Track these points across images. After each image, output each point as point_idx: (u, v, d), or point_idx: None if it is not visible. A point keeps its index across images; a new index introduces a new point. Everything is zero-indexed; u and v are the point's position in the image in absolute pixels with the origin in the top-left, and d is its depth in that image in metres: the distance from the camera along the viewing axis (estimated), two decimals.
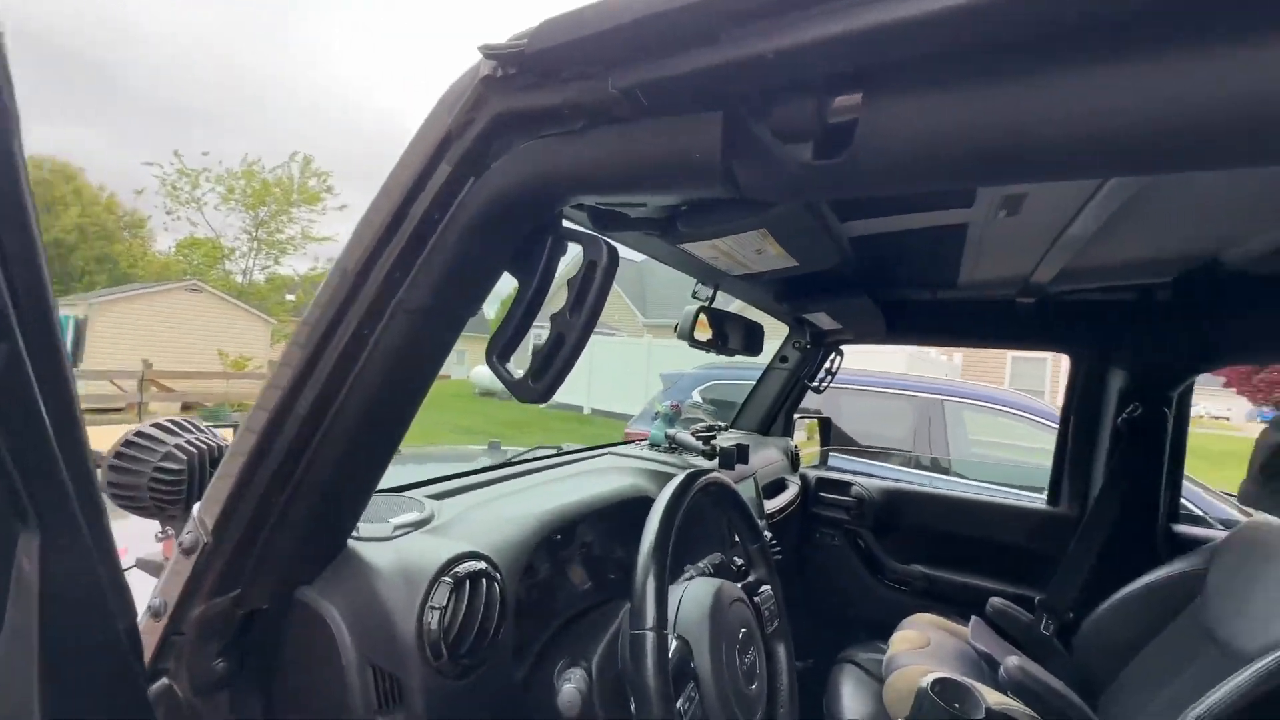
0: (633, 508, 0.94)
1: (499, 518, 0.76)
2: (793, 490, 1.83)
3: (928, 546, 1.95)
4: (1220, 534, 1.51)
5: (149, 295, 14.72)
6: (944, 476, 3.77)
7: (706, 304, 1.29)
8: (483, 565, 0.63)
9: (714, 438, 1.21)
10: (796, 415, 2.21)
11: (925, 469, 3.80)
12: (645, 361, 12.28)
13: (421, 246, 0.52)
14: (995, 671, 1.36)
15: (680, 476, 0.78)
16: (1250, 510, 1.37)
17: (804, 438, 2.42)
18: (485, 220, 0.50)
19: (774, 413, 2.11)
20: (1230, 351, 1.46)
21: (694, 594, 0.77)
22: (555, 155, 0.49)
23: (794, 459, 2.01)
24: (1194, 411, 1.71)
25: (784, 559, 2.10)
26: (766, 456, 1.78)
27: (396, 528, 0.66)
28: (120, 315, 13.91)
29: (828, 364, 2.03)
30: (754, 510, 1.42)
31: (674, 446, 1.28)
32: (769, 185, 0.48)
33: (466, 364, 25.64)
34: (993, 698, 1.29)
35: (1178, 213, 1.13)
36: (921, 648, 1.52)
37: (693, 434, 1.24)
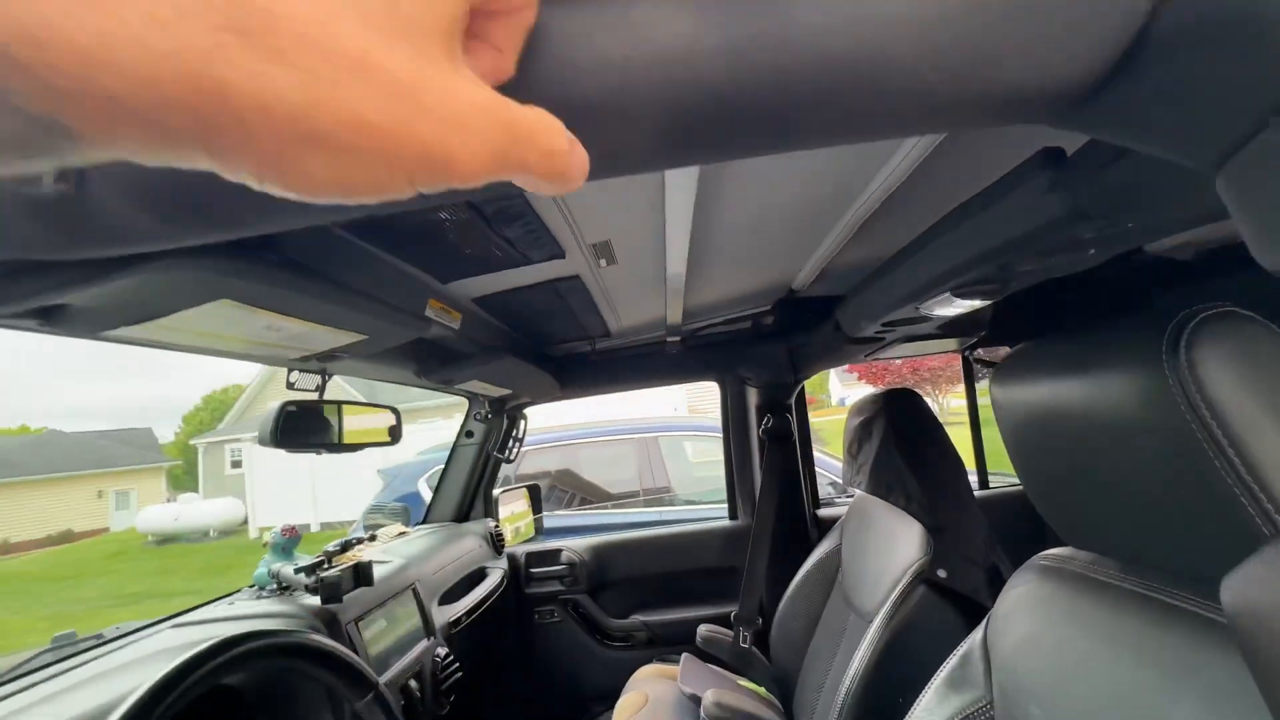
0: None
1: None
2: (495, 577, 1.64)
3: (641, 591, 1.94)
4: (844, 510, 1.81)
5: None
6: (674, 507, 4.04)
7: (314, 392, 1.04)
8: None
9: (324, 565, 0.96)
10: (499, 490, 2.05)
11: (659, 504, 4.01)
12: (381, 457, 10.91)
13: None
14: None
15: (156, 678, 0.52)
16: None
17: (524, 507, 2.27)
18: None
19: (470, 495, 1.92)
20: (810, 362, 1.79)
21: None
22: None
23: (496, 540, 1.83)
24: (835, 399, 2.09)
25: (508, 654, 1.88)
26: (455, 551, 1.56)
27: None
28: None
29: (515, 431, 1.93)
30: (421, 627, 1.18)
31: (284, 587, 0.98)
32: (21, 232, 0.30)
33: (134, 507, 19.49)
34: None
35: (746, 253, 1.32)
36: (640, 710, 1.45)
37: (295, 569, 0.96)
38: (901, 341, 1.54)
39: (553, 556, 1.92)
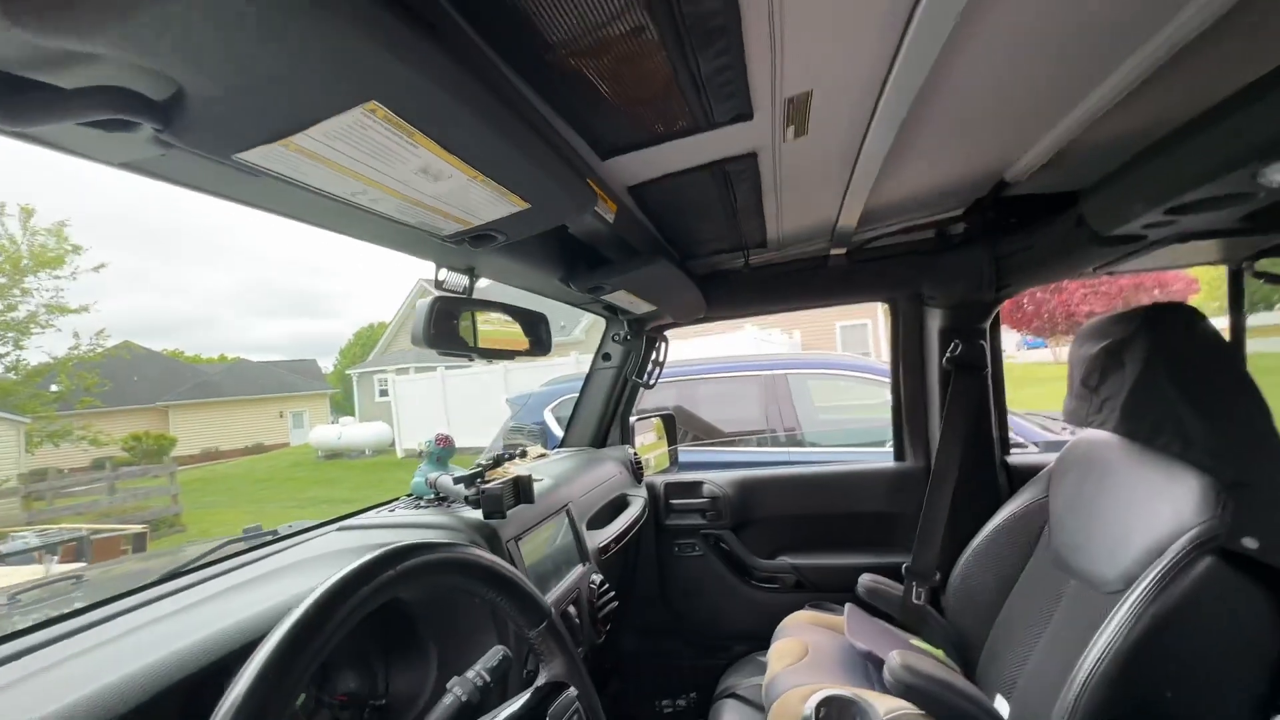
0: None
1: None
2: (637, 505, 1.55)
3: (791, 533, 1.78)
4: (1048, 458, 1.49)
5: None
6: (800, 449, 3.81)
7: (461, 294, 0.95)
8: None
9: (483, 477, 0.87)
10: (635, 418, 1.95)
11: (782, 445, 3.81)
12: (503, 389, 11.62)
13: None
14: (880, 671, 1.18)
15: (333, 578, 0.43)
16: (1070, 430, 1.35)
17: (654, 438, 2.18)
18: None
19: (607, 421, 1.83)
20: (1024, 273, 1.44)
21: None
22: None
23: (635, 468, 1.74)
24: None
25: (646, 583, 1.82)
26: (597, 476, 1.48)
27: None
28: None
29: (654, 355, 1.79)
30: (574, 550, 1.10)
31: (441, 498, 0.92)
32: None
33: (307, 426, 22.66)
34: (884, 705, 1.10)
35: (956, 134, 1.04)
36: (800, 660, 1.31)
37: (455, 479, 0.89)
38: (1169, 243, 1.17)
39: (694, 489, 1.80)
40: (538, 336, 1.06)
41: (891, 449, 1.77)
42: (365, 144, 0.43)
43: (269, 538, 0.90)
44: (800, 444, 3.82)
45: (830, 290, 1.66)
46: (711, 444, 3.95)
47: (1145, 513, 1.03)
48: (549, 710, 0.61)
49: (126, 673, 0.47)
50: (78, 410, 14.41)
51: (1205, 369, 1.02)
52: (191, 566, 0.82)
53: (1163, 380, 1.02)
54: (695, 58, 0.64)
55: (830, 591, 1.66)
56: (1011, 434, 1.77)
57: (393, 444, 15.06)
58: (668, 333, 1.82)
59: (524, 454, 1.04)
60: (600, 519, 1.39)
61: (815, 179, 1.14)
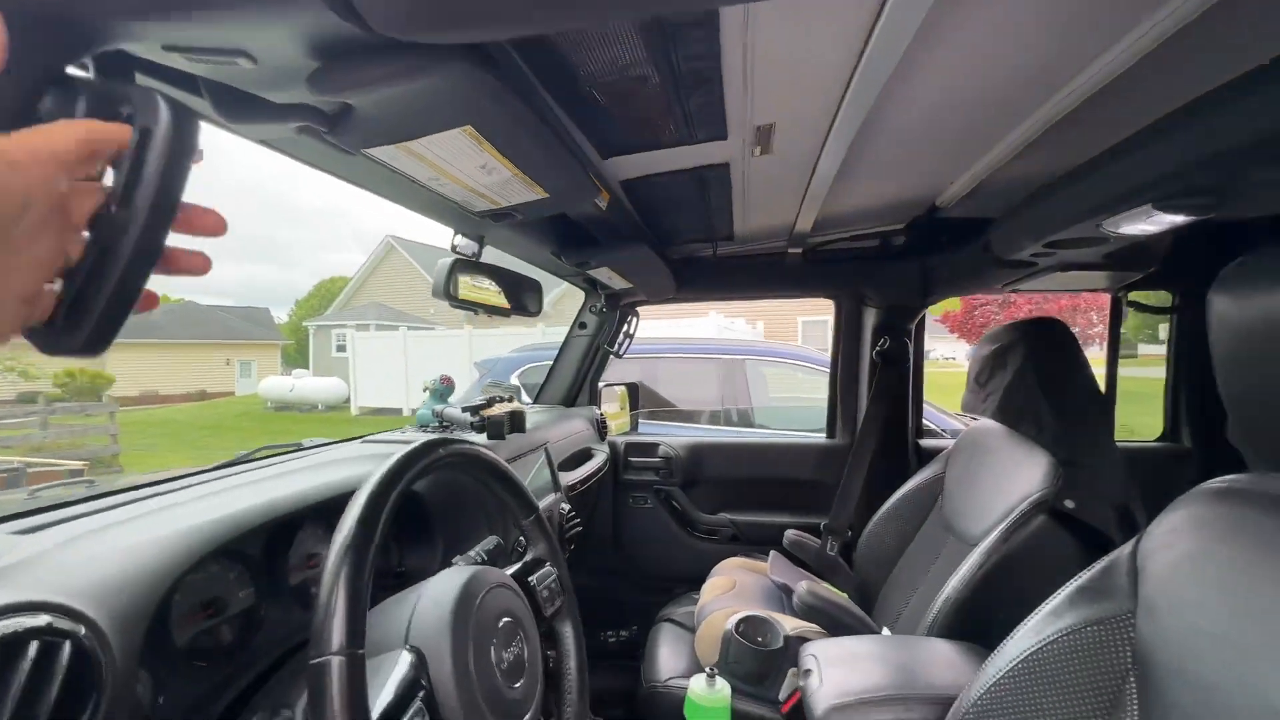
0: None
1: (124, 543, 0.52)
2: (599, 458, 1.76)
3: (732, 493, 2.03)
4: (949, 442, 1.78)
5: None
6: (750, 429, 4.09)
7: (470, 258, 1.12)
8: (40, 620, 0.40)
9: (486, 409, 1.07)
10: (603, 384, 2.15)
11: (734, 424, 4.08)
12: (467, 353, 11.62)
13: None
14: (792, 599, 1.43)
15: (402, 450, 0.62)
16: (973, 418, 1.63)
17: (616, 408, 2.39)
18: None
19: (578, 383, 2.03)
20: (945, 285, 1.70)
21: (433, 593, 0.62)
22: None
23: (600, 427, 1.95)
24: (930, 355, 2.01)
25: (601, 529, 2.04)
26: (568, 428, 1.68)
27: None
28: None
29: (626, 328, 1.99)
30: (549, 483, 1.31)
31: (444, 425, 1.11)
32: (395, 5, 0.34)
33: (255, 376, 22.00)
34: (790, 624, 1.36)
35: (899, 159, 1.25)
36: (728, 591, 1.56)
37: (462, 408, 1.08)
38: (1053, 271, 1.43)
39: (650, 449, 2.02)
40: (532, 300, 1.25)
41: (825, 430, 2.04)
42: (451, 149, 0.61)
43: (292, 447, 1.07)
44: (750, 425, 4.11)
45: (785, 283, 1.89)
46: (668, 419, 4.19)
47: (1006, 483, 1.30)
48: (533, 575, 0.82)
49: (227, 512, 0.65)
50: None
51: (1063, 372, 1.29)
52: (226, 464, 0.98)
53: (1031, 380, 1.29)
54: (685, 95, 0.84)
55: (760, 545, 1.92)
56: (928, 423, 2.06)
57: (347, 400, 14.85)
58: (639, 309, 2.02)
59: (511, 400, 1.23)
60: (568, 465, 1.59)
61: (777, 188, 1.35)
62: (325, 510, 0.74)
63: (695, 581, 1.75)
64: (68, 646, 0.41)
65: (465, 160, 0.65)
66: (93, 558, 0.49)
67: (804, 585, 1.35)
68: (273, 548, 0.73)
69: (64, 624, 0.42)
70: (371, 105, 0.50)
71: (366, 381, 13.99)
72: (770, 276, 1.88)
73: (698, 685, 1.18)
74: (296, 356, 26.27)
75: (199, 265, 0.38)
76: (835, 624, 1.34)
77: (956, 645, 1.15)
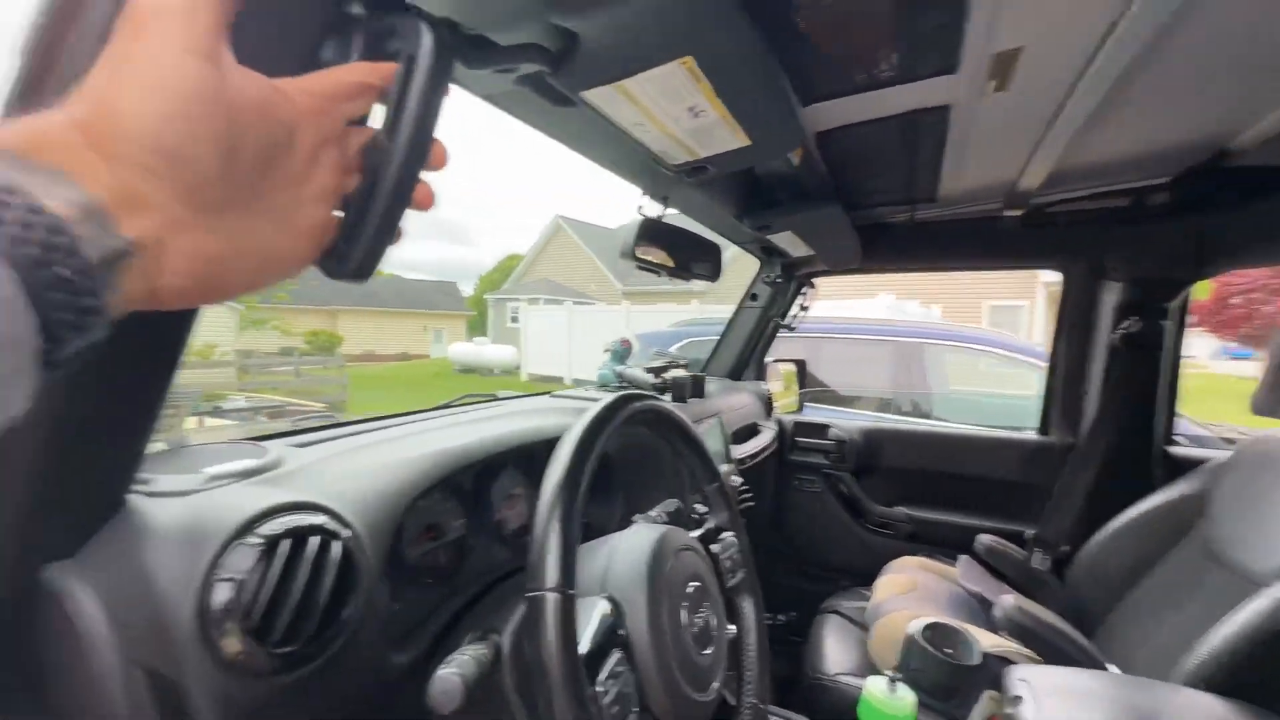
0: None
1: (371, 463, 0.59)
2: (767, 435, 1.69)
3: (912, 487, 1.83)
4: (1218, 454, 1.41)
5: None
6: (925, 421, 3.71)
7: (657, 219, 1.11)
8: (315, 520, 0.46)
9: (667, 371, 1.06)
10: (770, 360, 2.06)
11: (905, 413, 3.72)
12: (625, 328, 12.10)
13: None
14: (988, 612, 1.25)
15: (605, 400, 0.61)
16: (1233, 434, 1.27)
17: (780, 386, 2.28)
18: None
19: (746, 356, 1.96)
20: (1233, 252, 1.33)
21: (628, 545, 0.62)
22: None
23: (767, 403, 1.87)
24: None
25: (762, 508, 1.98)
26: (737, 401, 1.63)
27: (212, 478, 0.49)
28: None
29: (800, 299, 1.87)
30: (722, 453, 1.27)
31: (624, 385, 1.12)
32: None
33: (445, 342, 25.20)
34: (988, 640, 1.19)
35: (1178, 95, 0.98)
36: (908, 591, 1.41)
37: (645, 369, 1.08)
38: None
39: (820, 430, 1.90)
40: (712, 264, 1.21)
41: (1038, 425, 1.74)
42: (665, 87, 0.58)
43: (489, 398, 1.16)
44: (927, 416, 3.71)
45: (996, 252, 1.63)
46: (829, 403, 3.93)
47: None
48: (714, 544, 0.79)
49: (447, 446, 0.70)
50: (272, 304, 17.16)
51: None
52: (439, 406, 1.09)
53: None
54: (916, 17, 0.72)
55: (943, 547, 1.72)
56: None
57: (518, 367, 16.35)
58: (815, 281, 1.89)
59: (685, 366, 1.21)
60: (736, 438, 1.55)
61: (1003, 135, 1.14)
62: (525, 454, 0.78)
63: (863, 575, 1.62)
64: (337, 546, 0.46)
65: (675, 102, 0.62)
66: (351, 473, 0.55)
67: (1009, 599, 1.17)
68: (478, 485, 0.79)
69: (334, 526, 0.47)
70: (598, 32, 0.48)
71: (535, 350, 15.27)
72: (977, 244, 1.63)
73: (877, 688, 1.08)
74: (477, 326, 29.51)
75: (430, 199, 0.39)
76: (1050, 650, 1.14)
77: (1231, 705, 0.91)
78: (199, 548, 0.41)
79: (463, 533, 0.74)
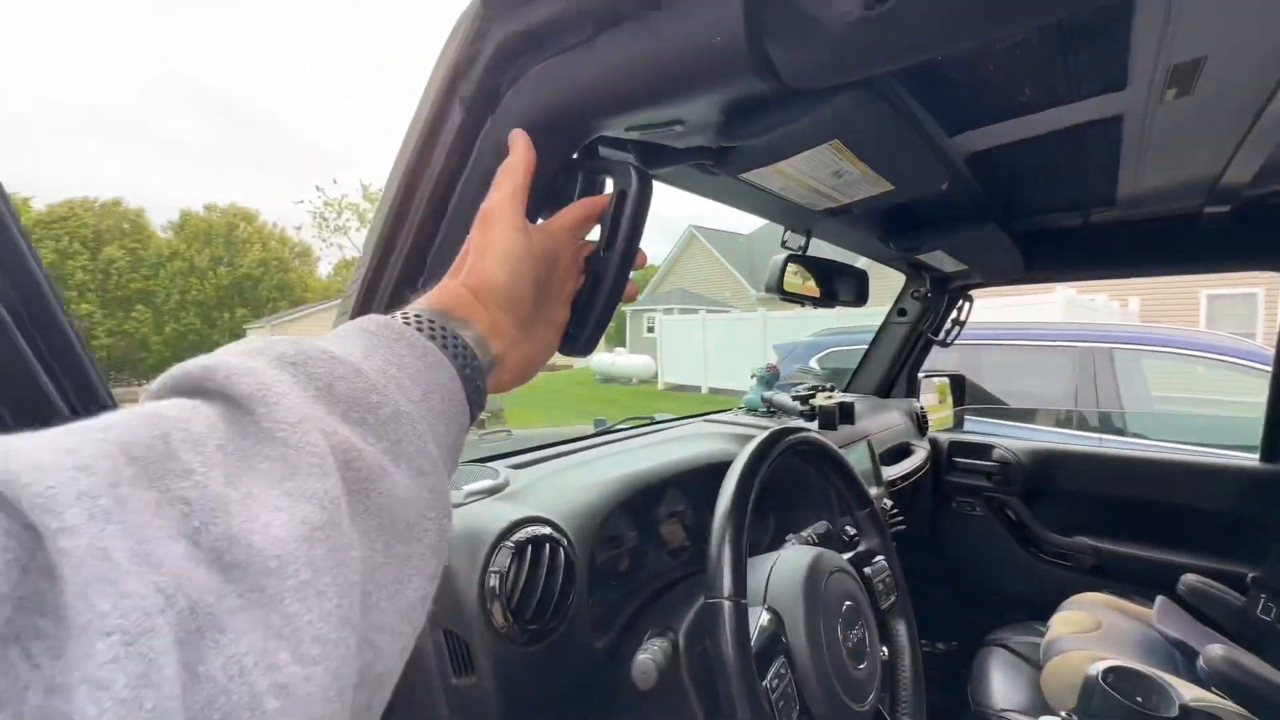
0: (723, 472, 0.89)
1: (572, 484, 0.74)
2: (920, 455, 1.64)
3: (1095, 515, 1.66)
4: None
5: (318, 314, 17.07)
6: (1118, 438, 3.24)
7: (798, 252, 1.17)
8: (546, 530, 0.61)
9: (813, 398, 1.11)
10: (922, 375, 1.99)
11: (1091, 429, 3.28)
12: (761, 336, 11.95)
13: (444, 207, 0.50)
14: (1191, 662, 1.13)
15: (764, 434, 0.70)
16: None
17: (934, 400, 2.18)
18: None
19: (893, 373, 1.92)
20: None
21: (787, 562, 0.70)
22: (570, 73, 0.44)
23: (920, 421, 1.81)
24: None
25: (916, 531, 1.90)
26: (885, 420, 1.62)
27: (468, 494, 0.67)
28: (297, 331, 16.28)
29: (955, 314, 1.79)
30: (871, 475, 1.29)
31: (772, 410, 1.19)
32: (812, 60, 0.40)
33: None
34: (1188, 692, 1.07)
35: None
36: (1090, 630, 1.30)
37: (792, 396, 1.15)
38: None
39: (982, 451, 1.80)
40: (857, 289, 1.24)
41: (1259, 451, 1.50)
42: (812, 161, 0.66)
43: (646, 421, 1.30)
44: (1121, 433, 3.25)
45: (1196, 255, 1.44)
46: (994, 418, 3.57)
47: None
48: (867, 566, 0.84)
49: (630, 470, 0.84)
50: None
51: None
52: (608, 429, 1.25)
53: None
54: (1072, 49, 0.72)
55: (1135, 584, 1.54)
56: None
57: (655, 376, 16.82)
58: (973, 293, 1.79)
59: (832, 388, 1.25)
60: (886, 459, 1.53)
61: (1197, 134, 1.04)
62: (688, 476, 0.89)
63: (1034, 608, 1.51)
64: (561, 551, 0.60)
65: (822, 169, 0.69)
66: (560, 492, 0.71)
67: (1218, 649, 1.05)
68: (647, 500, 0.91)
69: (557, 535, 0.62)
70: (750, 140, 0.58)
71: (671, 360, 15.62)
72: (1174, 246, 1.45)
73: None
74: (614, 335, 30.82)
75: (635, 292, 0.51)
76: (1266, 708, 1.01)
77: None
78: (475, 548, 0.57)
79: (636, 543, 0.87)
